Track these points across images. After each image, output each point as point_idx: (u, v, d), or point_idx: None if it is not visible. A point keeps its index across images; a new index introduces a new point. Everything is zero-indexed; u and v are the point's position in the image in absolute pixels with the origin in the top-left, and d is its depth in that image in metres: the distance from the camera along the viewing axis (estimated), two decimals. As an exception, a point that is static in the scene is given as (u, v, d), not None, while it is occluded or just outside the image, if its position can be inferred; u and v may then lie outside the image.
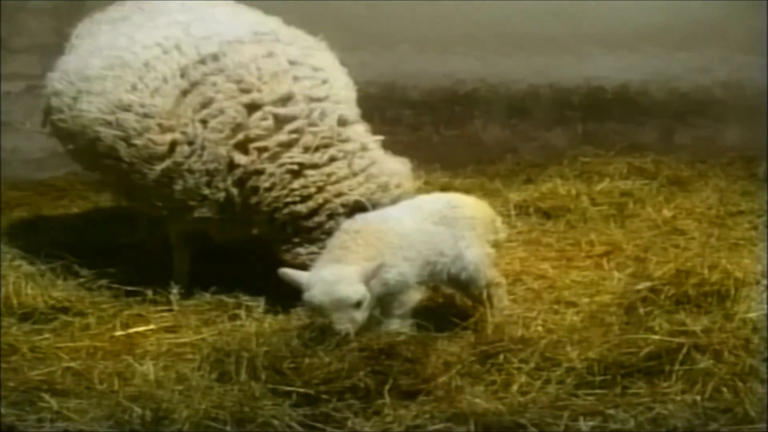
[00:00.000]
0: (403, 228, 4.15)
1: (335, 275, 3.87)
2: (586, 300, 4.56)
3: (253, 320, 4.44)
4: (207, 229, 4.85)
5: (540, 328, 4.13)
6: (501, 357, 3.82)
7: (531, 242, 5.54)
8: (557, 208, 6.03)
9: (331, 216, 4.50)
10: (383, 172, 4.60)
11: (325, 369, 3.68)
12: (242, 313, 4.55)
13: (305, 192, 4.52)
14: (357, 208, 4.43)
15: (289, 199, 4.52)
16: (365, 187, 4.54)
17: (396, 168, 4.68)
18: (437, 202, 4.36)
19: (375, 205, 4.47)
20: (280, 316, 4.49)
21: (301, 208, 4.52)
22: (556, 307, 4.49)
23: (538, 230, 5.75)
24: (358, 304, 3.85)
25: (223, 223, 4.72)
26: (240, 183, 4.59)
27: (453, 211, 4.30)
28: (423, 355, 3.80)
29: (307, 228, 4.53)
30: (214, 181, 4.62)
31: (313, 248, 4.45)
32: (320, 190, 4.52)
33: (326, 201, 4.51)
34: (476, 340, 4.00)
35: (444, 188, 6.09)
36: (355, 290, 3.85)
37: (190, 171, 4.62)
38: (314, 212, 4.52)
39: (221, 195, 4.62)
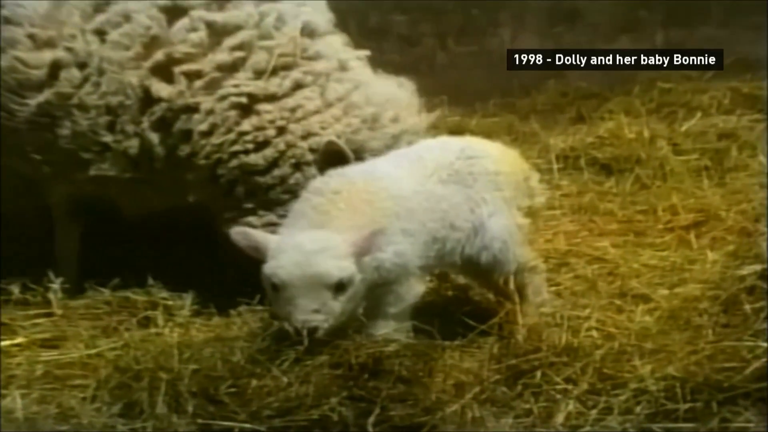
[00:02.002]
0: (400, 189, 4.20)
1: (317, 242, 3.93)
2: (664, 292, 4.68)
3: (174, 326, 4.54)
4: (110, 195, 4.91)
5: (595, 333, 4.22)
6: (538, 375, 3.91)
7: (583, 209, 5.67)
8: (622, 159, 6.16)
9: (298, 166, 4.57)
10: (371, 100, 4.66)
11: (282, 395, 3.75)
12: (158, 316, 4.65)
13: (260, 136, 4.58)
14: (333, 154, 4.48)
15: (237, 147, 4.59)
16: (344, 122, 4.60)
17: (391, 94, 4.73)
18: (446, 152, 4.41)
19: (359, 151, 4.52)
20: (215, 320, 4.60)
21: (256, 159, 4.59)
22: (619, 302, 4.59)
23: (593, 191, 5.87)
24: (339, 287, 3.92)
25: (135, 185, 4.78)
26: (162, 126, 4.65)
27: (469, 164, 4.36)
28: (424, 374, 3.89)
29: (265, 186, 4.60)
30: (121, 122, 4.67)
31: (272, 216, 4.53)
32: (281, 131, 4.58)
33: (290, 146, 4.57)
34: (502, 350, 4.08)
35: (455, 131, 6.19)
36: (340, 266, 3.91)
37: (83, 108, 4.67)
38: (274, 163, 4.59)
39: (132, 144, 4.68)
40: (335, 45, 4.80)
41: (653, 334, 4.22)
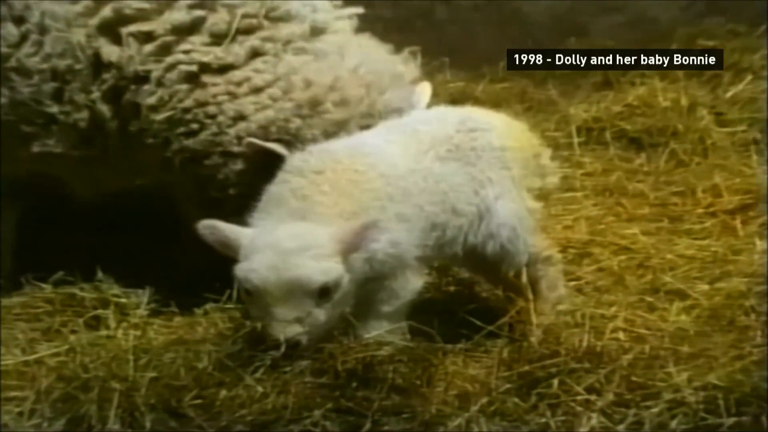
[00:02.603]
0: (393, 166, 4.22)
1: (297, 239, 3.93)
2: (703, 287, 4.72)
3: (129, 328, 4.55)
4: (56, 174, 4.92)
5: (622, 335, 4.26)
6: (555, 384, 3.92)
7: (608, 190, 5.70)
8: (655, 132, 6.20)
9: (225, 157, 4.57)
10: (322, 78, 4.61)
11: (257, 407, 3.77)
12: (110, 315, 4.66)
13: (201, 114, 4.59)
14: (261, 152, 4.46)
15: (182, 129, 4.61)
16: (278, 107, 4.57)
17: (348, 70, 4.65)
18: (444, 124, 4.45)
19: (292, 141, 4.49)
20: (177, 320, 4.63)
21: (195, 143, 4.60)
22: (650, 299, 4.63)
23: (620, 169, 5.91)
24: (324, 293, 3.94)
25: (85, 164, 4.80)
26: (114, 96, 4.67)
27: (471, 138, 4.40)
28: (422, 382, 3.92)
29: (203, 177, 4.63)
30: (70, 90, 4.69)
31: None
32: (220, 110, 4.58)
33: (221, 130, 4.58)
34: (512, 355, 4.11)
35: (458, 99, 6.20)
36: (324, 269, 3.92)
37: (23, 72, 4.69)
38: (207, 151, 4.60)
39: (83, 117, 4.70)
40: (316, 2, 4.80)
41: (691, 335, 4.26)
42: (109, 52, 4.62)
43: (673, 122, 6.24)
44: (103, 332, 4.56)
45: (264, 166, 4.33)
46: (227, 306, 4.58)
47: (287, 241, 3.91)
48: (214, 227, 4.02)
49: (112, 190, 4.95)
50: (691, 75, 6.86)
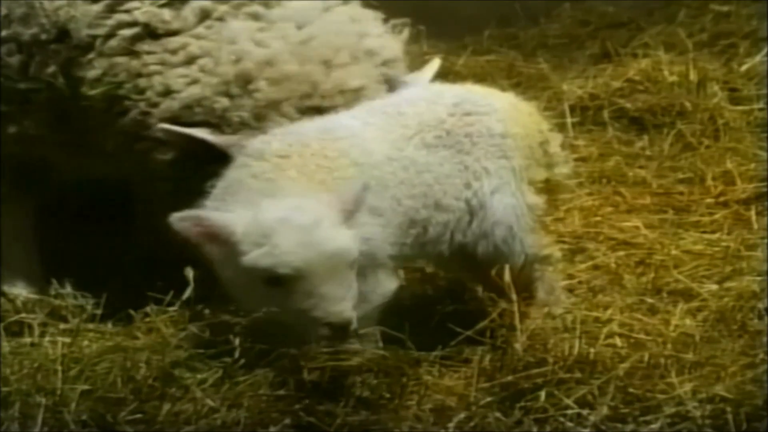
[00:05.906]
0: (368, 154, 4.28)
1: (307, 211, 3.96)
2: (712, 287, 4.78)
3: (57, 334, 4.57)
4: (49, 158, 4.97)
5: (619, 341, 4.29)
6: (542, 396, 3.97)
7: (606, 177, 5.76)
8: (659, 111, 6.25)
9: (154, 142, 4.57)
10: (256, 51, 4.59)
11: (204, 423, 3.82)
12: (34, 323, 4.71)
13: (134, 88, 4.62)
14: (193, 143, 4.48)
15: (117, 108, 4.62)
16: (204, 82, 4.54)
17: (294, 42, 4.66)
18: (436, 106, 4.49)
19: (221, 124, 4.52)
20: (113, 325, 4.68)
21: (125, 124, 4.62)
22: (651, 300, 4.68)
23: (619, 154, 5.97)
24: (354, 263, 4.00)
25: (67, 149, 4.86)
26: (70, 70, 4.73)
27: (467, 124, 4.45)
28: (394, 395, 3.99)
29: (137, 166, 4.68)
30: (35, 64, 4.77)
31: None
32: (150, 83, 4.60)
33: (149, 108, 4.59)
34: (494, 364, 4.17)
35: (437, 74, 6.25)
36: (351, 236, 3.98)
37: None
38: (140, 133, 4.62)
39: (50, 94, 4.76)
40: None
41: (696, 341, 4.30)
42: (66, 13, 4.69)
43: (680, 100, 6.29)
44: (27, 339, 4.60)
45: (195, 157, 4.37)
46: (170, 310, 4.54)
47: (299, 217, 3.95)
48: (198, 218, 4.01)
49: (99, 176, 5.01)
50: (701, 45, 6.92)
